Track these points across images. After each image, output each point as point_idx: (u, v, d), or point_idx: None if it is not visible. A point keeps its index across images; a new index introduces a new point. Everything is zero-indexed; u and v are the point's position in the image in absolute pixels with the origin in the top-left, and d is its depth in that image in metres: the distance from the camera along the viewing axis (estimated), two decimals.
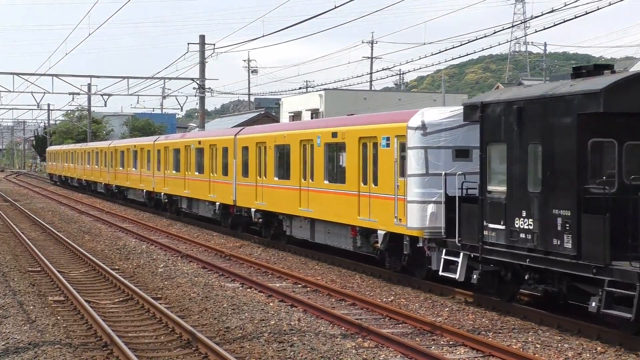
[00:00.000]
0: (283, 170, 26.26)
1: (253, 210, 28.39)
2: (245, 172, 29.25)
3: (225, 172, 31.38)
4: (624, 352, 13.49)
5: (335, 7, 24.81)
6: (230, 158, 30.74)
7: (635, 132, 14.58)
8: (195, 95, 50.03)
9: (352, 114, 25.85)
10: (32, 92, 73.21)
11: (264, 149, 27.70)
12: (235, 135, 30.60)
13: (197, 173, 34.83)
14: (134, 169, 46.60)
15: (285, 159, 26.10)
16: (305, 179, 24.54)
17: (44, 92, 57.36)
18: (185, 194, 36.55)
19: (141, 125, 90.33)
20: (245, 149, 29.40)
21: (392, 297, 18.46)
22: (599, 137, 14.44)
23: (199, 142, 34.85)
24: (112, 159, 52.27)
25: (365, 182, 21.23)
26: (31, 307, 17.23)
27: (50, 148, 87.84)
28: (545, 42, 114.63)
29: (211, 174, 32.89)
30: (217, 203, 32.06)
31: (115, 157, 51.26)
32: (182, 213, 38.53)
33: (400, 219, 19.40)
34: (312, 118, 61.52)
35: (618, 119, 14.37)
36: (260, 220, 28.28)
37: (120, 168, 49.88)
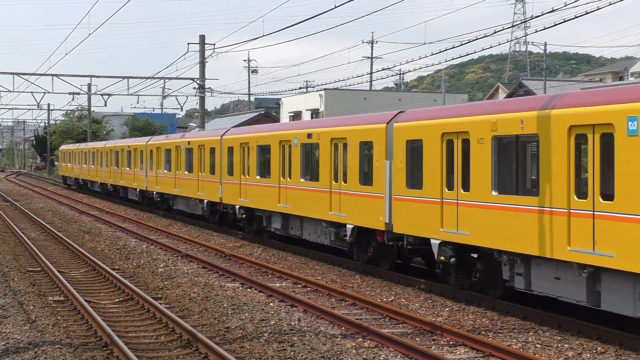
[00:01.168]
0: (514, 180, 16.43)
1: (436, 242, 18.08)
2: (414, 181, 19.15)
3: (365, 179, 21.28)
4: (624, 352, 13.49)
5: (335, 7, 24.73)
6: (378, 158, 20.52)
7: None
8: (196, 95, 50.01)
9: None
10: (32, 92, 73.35)
11: (462, 143, 17.56)
12: (389, 122, 20.37)
13: (303, 180, 24.81)
14: (187, 172, 36.52)
15: (520, 160, 16.36)
16: (579, 196, 14.40)
17: (44, 92, 57.21)
18: (282, 209, 25.98)
19: (141, 125, 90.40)
20: (414, 145, 19.32)
21: (392, 297, 18.46)
22: None
23: (309, 135, 24.33)
24: (153, 159, 42.45)
25: None
26: (31, 307, 17.24)
27: (63, 147, 77.60)
28: (545, 42, 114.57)
29: (334, 182, 22.87)
30: (350, 226, 21.82)
31: (158, 156, 41.47)
32: (269, 234, 28.89)
33: None
34: (312, 118, 61.53)
35: None
36: (452, 259, 17.71)
37: (165, 171, 39.74)
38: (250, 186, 28.93)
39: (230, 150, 31.04)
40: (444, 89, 70.42)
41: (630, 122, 13.34)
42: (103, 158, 54.83)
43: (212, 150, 33.18)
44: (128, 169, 47.68)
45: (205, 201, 33.85)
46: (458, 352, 13.60)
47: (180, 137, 39.81)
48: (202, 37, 48.65)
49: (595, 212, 13.96)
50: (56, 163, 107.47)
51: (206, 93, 49.09)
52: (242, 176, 29.63)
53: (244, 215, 29.91)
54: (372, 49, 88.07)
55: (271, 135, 27.32)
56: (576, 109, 14.54)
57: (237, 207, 30.11)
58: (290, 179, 25.55)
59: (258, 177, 28.23)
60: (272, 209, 26.78)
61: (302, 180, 24.86)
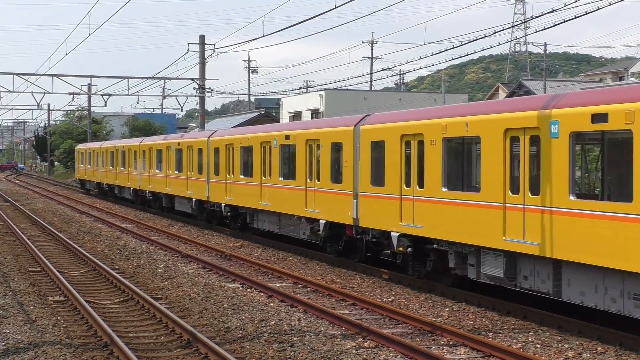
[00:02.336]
0: None
1: None
2: None
3: None
4: (624, 352, 13.49)
5: (336, 7, 24.71)
6: None
7: None
8: (196, 96, 50.03)
9: None
10: (32, 92, 73.31)
11: None
12: None
13: (573, 198, 14.48)
14: (282, 179, 25.91)
15: None
16: None
17: (44, 92, 57.16)
18: (507, 244, 15.83)
19: (141, 126, 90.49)
20: None
21: (392, 297, 18.47)
22: None
23: (596, 118, 13.87)
24: (219, 160, 31.77)
25: None
26: (31, 308, 17.24)
27: (81, 146, 66.90)
28: (545, 42, 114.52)
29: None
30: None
31: (228, 156, 30.89)
32: (451, 279, 18.69)
33: None
34: (312, 118, 61.57)
35: None
36: None
37: (241, 176, 29.34)
38: (427, 204, 18.42)
39: (375, 147, 20.75)
40: (444, 89, 70.44)
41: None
42: (138, 158, 44.88)
43: (336, 147, 22.70)
44: (178, 172, 37.71)
45: (323, 222, 23.23)
46: (458, 352, 13.60)
47: (278, 128, 28.96)
48: (202, 37, 48.70)
49: None
50: (56, 164, 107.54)
51: (206, 93, 49.12)
52: (406, 187, 19.32)
53: (409, 250, 19.25)
54: (372, 49, 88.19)
55: (486, 121, 16.58)
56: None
57: (394, 235, 19.58)
58: (550, 196, 14.85)
59: (445, 189, 17.85)
60: (487, 242, 16.38)
61: (571, 198, 14.37)
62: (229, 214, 31.34)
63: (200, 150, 34.41)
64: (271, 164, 26.84)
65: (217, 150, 32.29)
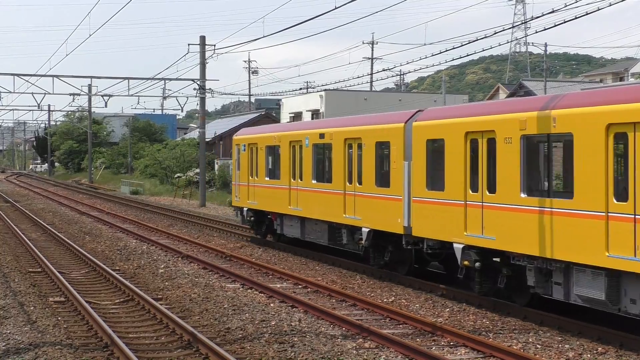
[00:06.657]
0: None
1: None
2: None
3: None
4: (624, 353, 13.49)
5: (336, 8, 24.71)
6: None
7: None
8: (196, 96, 50.06)
9: None
10: (32, 93, 72.90)
11: None
12: None
13: None
14: None
15: None
16: None
17: (45, 93, 57.05)
18: None
19: (142, 126, 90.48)
20: None
21: (393, 298, 18.47)
22: None
23: None
24: None
25: None
26: (32, 308, 17.25)
27: (250, 132, 30.69)
28: (545, 43, 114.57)
29: None
30: None
31: None
32: None
33: None
34: (312, 119, 61.57)
35: None
36: None
37: None
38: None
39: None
40: (445, 90, 70.42)
41: None
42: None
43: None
44: None
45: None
46: (458, 353, 13.61)
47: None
48: (203, 38, 48.73)
49: None
50: (57, 164, 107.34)
51: (207, 94, 49.18)
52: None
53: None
54: (372, 50, 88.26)
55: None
56: None
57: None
58: None
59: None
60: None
61: None
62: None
63: None
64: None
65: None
